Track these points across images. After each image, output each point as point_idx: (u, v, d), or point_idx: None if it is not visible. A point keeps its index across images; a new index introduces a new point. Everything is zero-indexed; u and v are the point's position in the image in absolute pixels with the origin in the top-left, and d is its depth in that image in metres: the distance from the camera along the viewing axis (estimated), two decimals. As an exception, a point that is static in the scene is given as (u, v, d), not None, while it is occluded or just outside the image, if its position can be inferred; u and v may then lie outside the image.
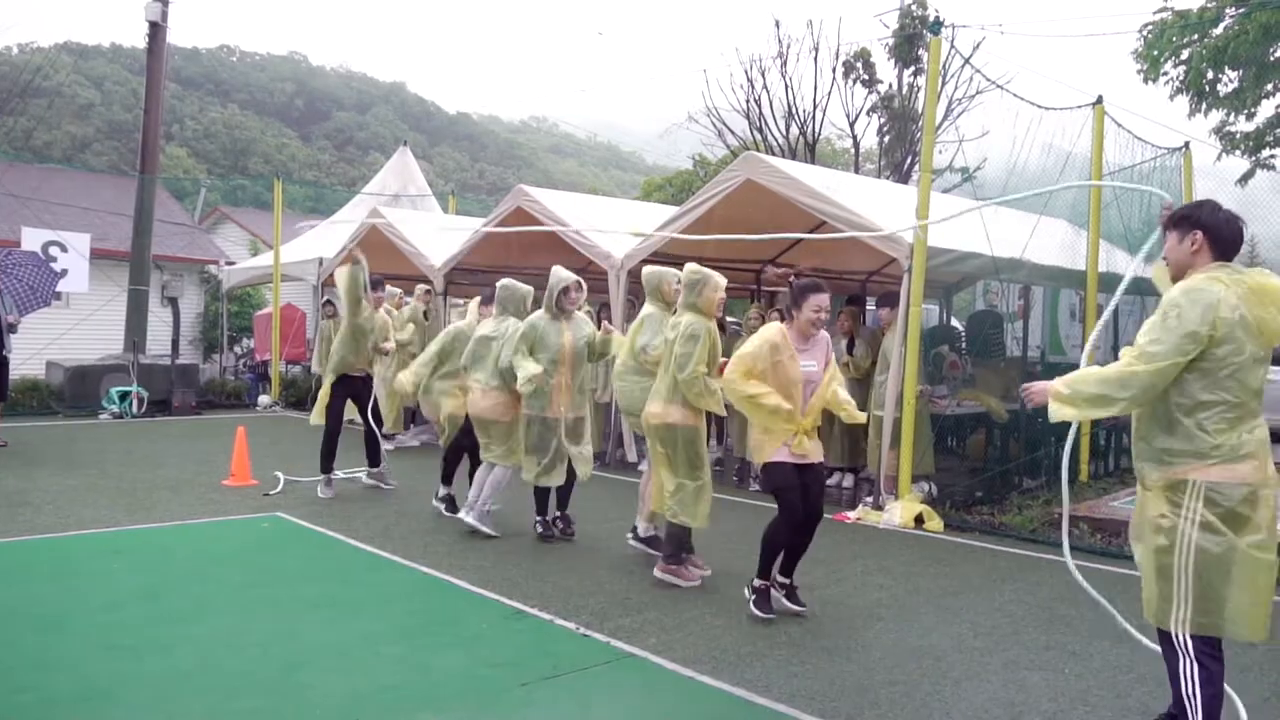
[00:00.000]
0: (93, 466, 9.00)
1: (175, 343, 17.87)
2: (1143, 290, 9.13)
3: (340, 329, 7.85)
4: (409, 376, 7.37)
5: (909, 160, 20.64)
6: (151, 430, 12.03)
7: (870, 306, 11.65)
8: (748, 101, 21.67)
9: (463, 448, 7.19)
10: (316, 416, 7.80)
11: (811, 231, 9.17)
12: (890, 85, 21.38)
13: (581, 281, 6.37)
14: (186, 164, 48.93)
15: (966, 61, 13.50)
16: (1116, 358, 3.26)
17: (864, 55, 20.95)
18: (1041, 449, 8.52)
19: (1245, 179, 12.71)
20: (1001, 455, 8.94)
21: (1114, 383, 3.15)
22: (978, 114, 19.70)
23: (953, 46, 12.34)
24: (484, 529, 6.44)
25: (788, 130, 21.51)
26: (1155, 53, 13.29)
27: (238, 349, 19.93)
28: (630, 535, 6.08)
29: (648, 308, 5.94)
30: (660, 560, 5.54)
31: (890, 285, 10.17)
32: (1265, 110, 13.65)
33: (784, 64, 21.13)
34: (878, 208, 8.46)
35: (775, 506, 4.88)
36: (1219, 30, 12.70)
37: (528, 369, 5.95)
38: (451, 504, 7.14)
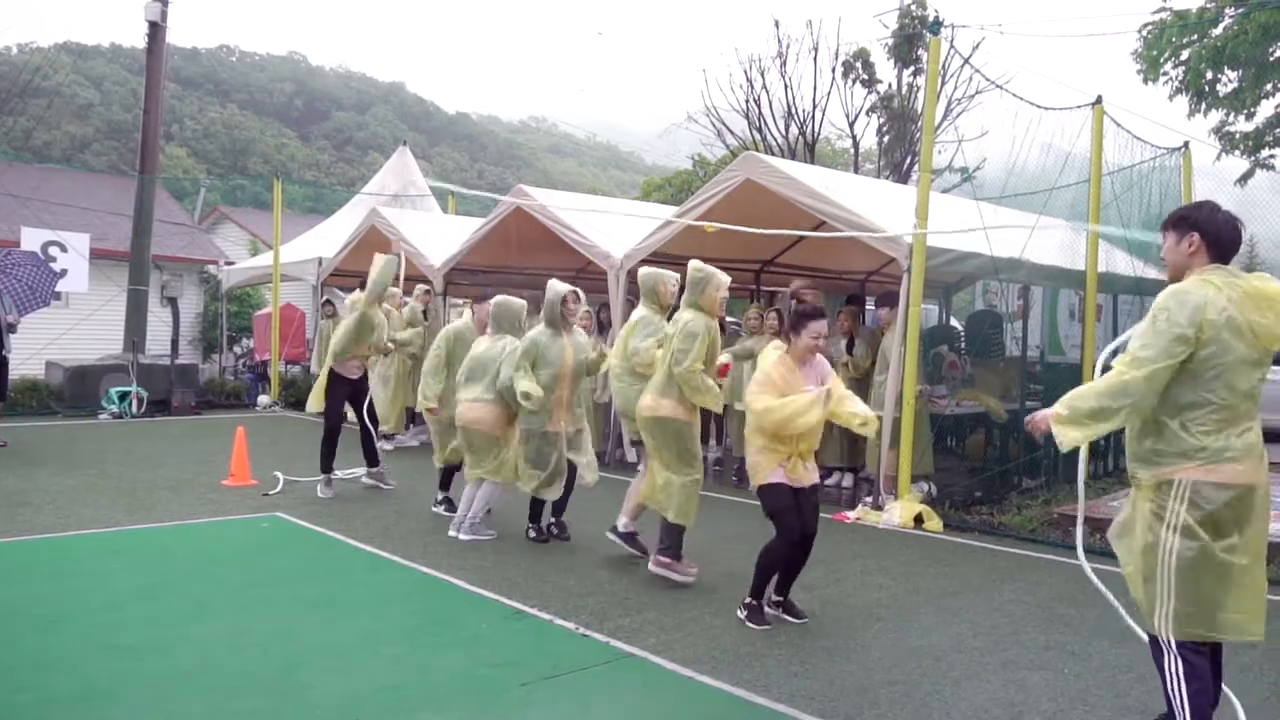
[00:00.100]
0: (92, 466, 9.00)
1: (175, 343, 17.88)
2: (1144, 290, 9.16)
3: (348, 318, 7.81)
4: (429, 394, 7.07)
5: (908, 160, 20.65)
6: (151, 430, 12.03)
7: (870, 306, 11.65)
8: (747, 101, 21.69)
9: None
10: (314, 404, 7.81)
11: (812, 232, 9.18)
12: (890, 85, 21.40)
13: (579, 291, 6.34)
14: (186, 164, 48.94)
15: (966, 61, 13.51)
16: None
17: (863, 55, 20.96)
18: (1040, 449, 8.52)
19: (1245, 179, 12.71)
20: (1001, 455, 8.94)
21: (1109, 393, 3.15)
22: (977, 114, 19.74)
23: (952, 46, 12.34)
24: (480, 539, 6.43)
25: (787, 130, 21.53)
26: (1154, 53, 13.30)
27: (237, 349, 19.93)
28: (610, 530, 6.04)
29: (641, 310, 5.87)
30: (655, 553, 5.51)
31: (889, 285, 10.18)
32: (1264, 110, 13.67)
33: (783, 64, 21.16)
34: (877, 208, 8.46)
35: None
36: (1218, 30, 12.71)
37: (529, 388, 5.89)
38: (451, 505, 7.14)
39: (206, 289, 20.33)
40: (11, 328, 10.57)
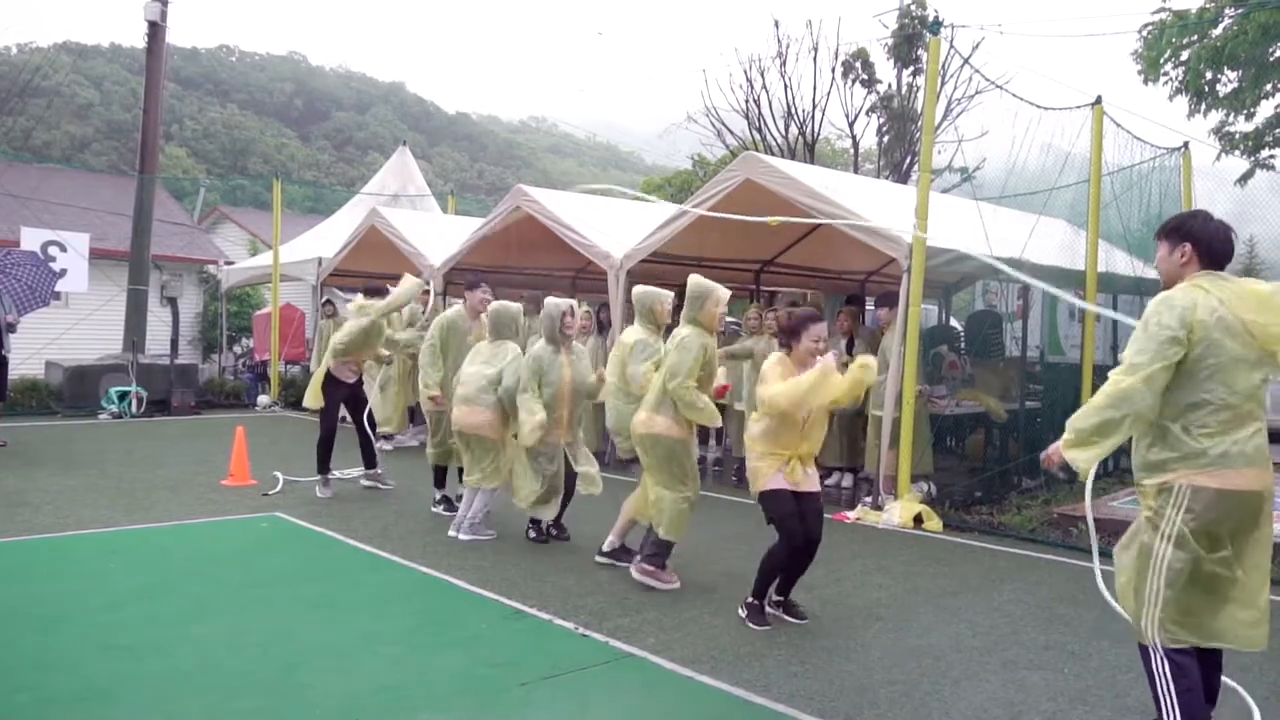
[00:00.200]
0: (92, 466, 9.00)
1: (174, 343, 17.89)
2: (1144, 290, 9.15)
3: (355, 320, 7.81)
4: (430, 382, 7.05)
5: (908, 160, 20.65)
6: (150, 430, 12.03)
7: (870, 307, 11.65)
8: (747, 101, 21.68)
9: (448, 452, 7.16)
10: (310, 400, 7.83)
11: (812, 231, 9.17)
12: (889, 85, 21.40)
13: (575, 306, 6.34)
14: (186, 164, 48.94)
15: (966, 61, 13.51)
16: (1116, 359, 3.28)
17: (863, 55, 20.96)
18: (1040, 449, 8.51)
19: (1244, 179, 12.71)
20: (1000, 455, 8.94)
21: (1110, 404, 3.15)
22: (977, 114, 19.76)
23: (952, 46, 12.33)
24: (480, 539, 6.43)
25: (787, 130, 21.52)
26: (1154, 53, 13.30)
27: (237, 349, 19.93)
28: (597, 554, 5.92)
29: (638, 331, 5.77)
30: (638, 559, 5.47)
31: (889, 285, 10.17)
32: (1264, 110, 13.68)
33: (783, 64, 21.15)
34: (877, 208, 8.46)
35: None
36: (1218, 31, 12.71)
37: (535, 416, 5.88)
38: (451, 505, 7.14)
39: (206, 289, 20.33)
40: (11, 327, 10.57)
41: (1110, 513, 7.17)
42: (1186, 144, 9.96)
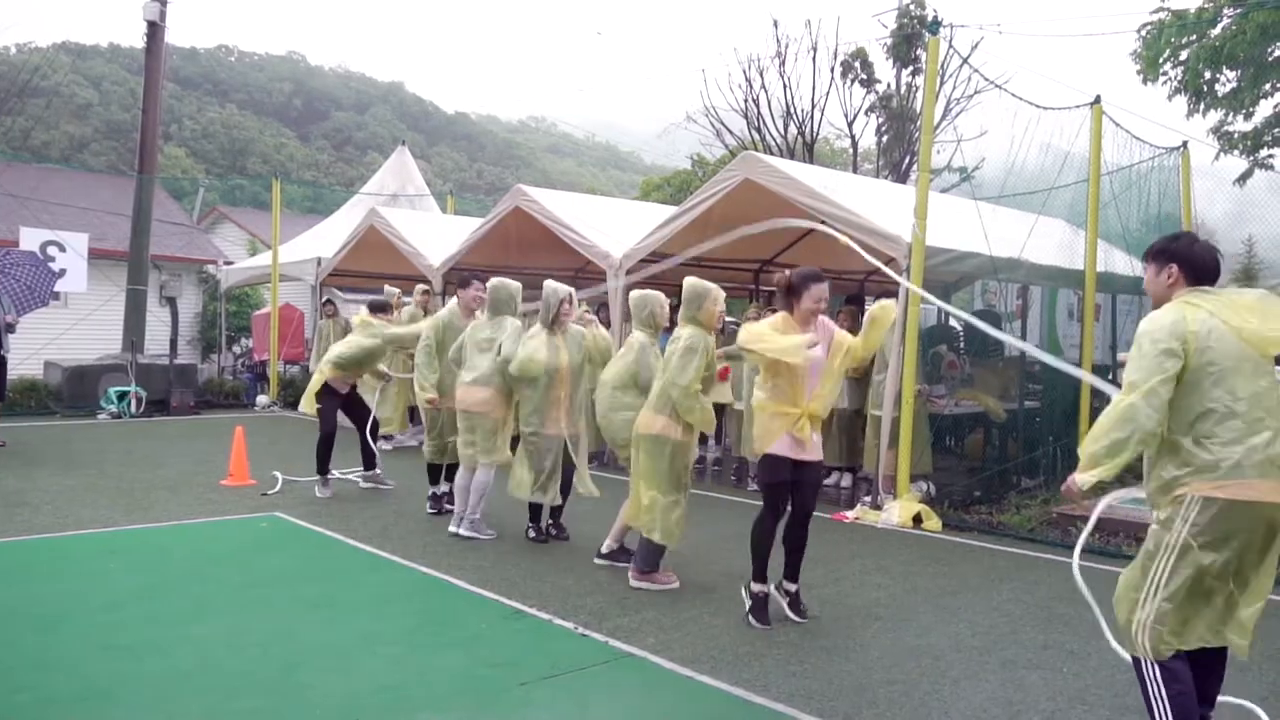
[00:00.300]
0: (91, 466, 8.99)
1: (174, 342, 17.87)
2: (1143, 290, 9.16)
3: (361, 336, 7.86)
4: (426, 383, 7.00)
5: (907, 160, 20.67)
6: (150, 430, 12.03)
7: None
8: (746, 101, 21.71)
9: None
10: (305, 406, 7.88)
11: (812, 231, 9.16)
12: (888, 85, 21.43)
13: (573, 294, 6.34)
14: (185, 164, 48.90)
15: (965, 61, 13.50)
16: (1115, 359, 3.28)
17: (862, 55, 20.98)
18: (1040, 448, 8.53)
19: (1243, 179, 12.74)
20: (1000, 455, 8.95)
21: (1115, 425, 3.13)
22: (976, 114, 19.80)
23: (951, 46, 12.33)
24: (480, 536, 6.43)
25: (786, 130, 21.54)
26: (1153, 53, 13.31)
27: (236, 349, 19.92)
28: (595, 556, 5.95)
29: (639, 335, 5.79)
30: (633, 568, 5.48)
31: (889, 285, 10.17)
32: (1263, 110, 13.70)
33: (782, 64, 21.18)
34: (876, 207, 8.46)
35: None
36: (1217, 30, 12.72)
37: (532, 350, 6.00)
38: (436, 501, 7.18)
39: (205, 289, 20.33)
40: (10, 328, 10.57)
41: (1108, 512, 7.17)
42: (1185, 144, 9.97)
